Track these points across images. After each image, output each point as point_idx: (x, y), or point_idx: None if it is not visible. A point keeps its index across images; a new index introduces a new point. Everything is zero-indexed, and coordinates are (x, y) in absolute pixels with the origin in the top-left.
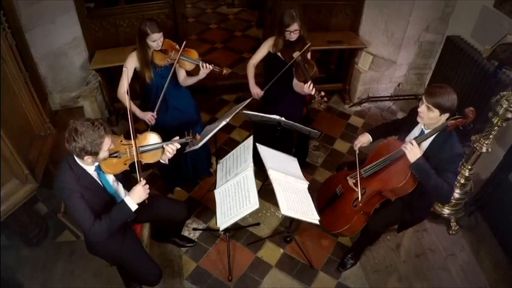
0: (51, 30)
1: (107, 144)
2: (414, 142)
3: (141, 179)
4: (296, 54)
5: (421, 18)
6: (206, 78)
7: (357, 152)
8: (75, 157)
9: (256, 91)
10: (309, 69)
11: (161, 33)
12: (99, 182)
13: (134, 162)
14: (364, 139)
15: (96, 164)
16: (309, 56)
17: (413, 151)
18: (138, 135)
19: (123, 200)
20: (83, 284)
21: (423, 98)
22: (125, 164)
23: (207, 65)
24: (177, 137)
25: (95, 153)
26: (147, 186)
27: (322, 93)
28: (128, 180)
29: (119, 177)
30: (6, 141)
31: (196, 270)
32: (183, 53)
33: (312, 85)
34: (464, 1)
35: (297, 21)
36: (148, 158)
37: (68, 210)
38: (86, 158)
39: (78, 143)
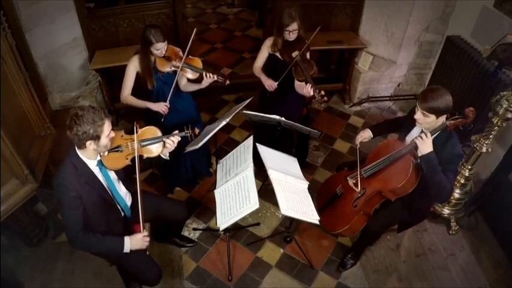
0: (51, 30)
1: (108, 127)
2: (428, 134)
3: (144, 230)
4: (295, 54)
5: (421, 18)
6: None
7: (358, 146)
8: (77, 149)
9: (269, 83)
10: (308, 69)
11: (166, 42)
12: (100, 179)
13: (137, 158)
14: (366, 134)
15: (98, 159)
16: (308, 55)
17: (426, 143)
18: (139, 129)
19: (123, 238)
20: (83, 284)
21: (417, 104)
22: (127, 159)
23: (211, 74)
24: (177, 131)
25: (97, 137)
26: (147, 238)
27: (322, 93)
28: (129, 179)
29: (121, 176)
30: (6, 141)
31: (196, 270)
32: (186, 61)
33: (311, 87)
34: (464, 1)
35: (296, 20)
36: (149, 152)
37: (60, 210)
38: (88, 144)
39: (80, 126)
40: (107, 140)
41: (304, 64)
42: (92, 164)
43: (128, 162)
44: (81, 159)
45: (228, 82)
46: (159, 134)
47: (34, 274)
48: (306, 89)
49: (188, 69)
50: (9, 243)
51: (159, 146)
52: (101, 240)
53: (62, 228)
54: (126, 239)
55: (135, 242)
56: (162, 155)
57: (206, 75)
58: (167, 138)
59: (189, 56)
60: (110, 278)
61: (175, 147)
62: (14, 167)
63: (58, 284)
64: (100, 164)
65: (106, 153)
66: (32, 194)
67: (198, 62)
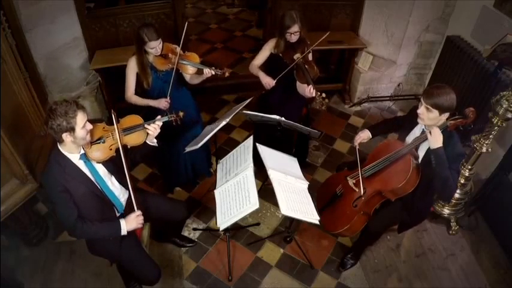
0: (51, 30)
1: (81, 119)
2: (437, 128)
3: (137, 209)
4: (297, 57)
5: (421, 18)
6: (206, 79)
7: (357, 147)
8: (58, 145)
9: (267, 80)
10: (310, 71)
11: (159, 40)
12: (87, 173)
13: (120, 147)
14: (364, 135)
15: (82, 152)
16: (310, 57)
17: (437, 136)
18: (120, 119)
19: (119, 221)
20: (83, 284)
21: (422, 99)
22: (111, 149)
23: (209, 69)
24: (159, 116)
25: (71, 129)
26: (141, 217)
27: (323, 95)
28: (122, 173)
29: (111, 169)
30: (6, 141)
31: (196, 270)
32: (183, 58)
33: (312, 88)
34: (464, 1)
35: (297, 22)
36: (133, 141)
37: (53, 206)
38: (64, 136)
39: (53, 119)
40: (83, 132)
41: (305, 66)
42: (75, 158)
43: (113, 153)
44: (63, 154)
45: (226, 73)
46: (141, 121)
47: (34, 274)
48: (307, 91)
49: (186, 65)
50: (9, 243)
51: (141, 133)
52: (100, 227)
53: (62, 228)
54: (122, 221)
55: (130, 223)
56: (148, 142)
57: (204, 71)
58: (148, 124)
59: (186, 53)
60: (110, 278)
61: (171, 141)
62: (14, 167)
63: (58, 284)
64: (84, 157)
65: (89, 146)
66: (32, 194)
67: (195, 57)
